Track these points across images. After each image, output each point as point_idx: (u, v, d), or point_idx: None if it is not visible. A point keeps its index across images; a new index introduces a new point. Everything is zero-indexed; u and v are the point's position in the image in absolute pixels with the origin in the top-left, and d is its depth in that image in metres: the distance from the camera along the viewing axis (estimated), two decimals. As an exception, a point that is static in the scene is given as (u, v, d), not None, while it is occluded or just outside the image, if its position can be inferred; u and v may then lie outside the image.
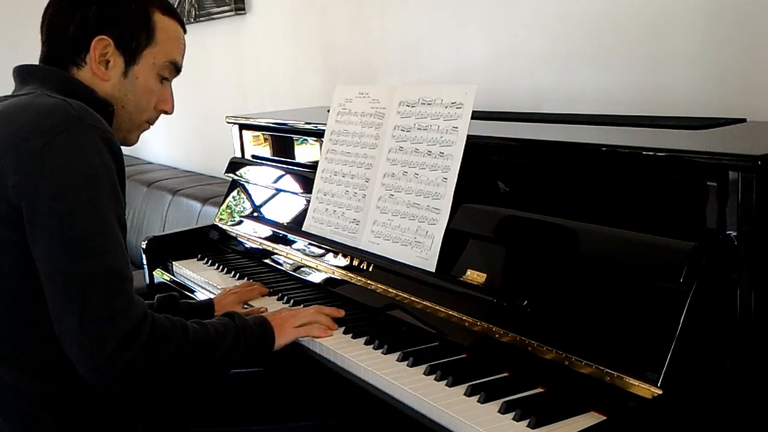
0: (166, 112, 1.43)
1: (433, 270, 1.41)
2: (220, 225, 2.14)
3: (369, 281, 1.53)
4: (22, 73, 1.34)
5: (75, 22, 1.31)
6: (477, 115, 1.46)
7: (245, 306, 1.64)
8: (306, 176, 1.90)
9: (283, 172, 2.03)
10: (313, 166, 1.82)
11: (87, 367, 1.14)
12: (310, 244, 1.75)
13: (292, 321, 1.40)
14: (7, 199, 1.15)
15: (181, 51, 1.42)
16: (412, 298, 1.42)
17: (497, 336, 1.24)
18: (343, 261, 1.63)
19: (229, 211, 2.16)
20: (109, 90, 1.33)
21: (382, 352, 1.32)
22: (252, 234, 1.99)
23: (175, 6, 3.47)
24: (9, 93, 1.34)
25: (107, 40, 1.31)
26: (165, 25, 1.37)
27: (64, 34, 1.31)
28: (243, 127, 2.26)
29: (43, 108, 1.19)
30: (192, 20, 3.40)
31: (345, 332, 1.42)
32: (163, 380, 1.21)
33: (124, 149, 1.30)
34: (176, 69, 1.41)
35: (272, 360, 1.44)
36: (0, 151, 1.17)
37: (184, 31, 1.44)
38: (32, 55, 1.38)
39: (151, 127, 1.45)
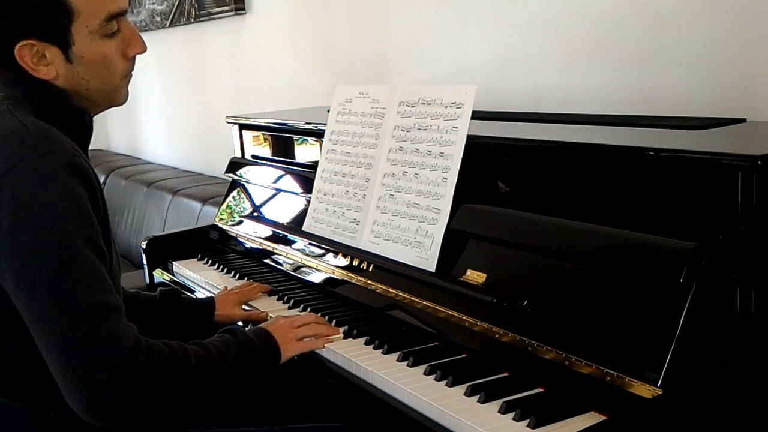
0: (138, 53, 1.28)
1: (433, 270, 1.41)
2: (220, 225, 2.14)
3: (369, 281, 1.53)
4: None
5: None
6: (477, 115, 1.46)
7: (246, 307, 1.64)
8: (306, 176, 1.90)
9: (283, 172, 2.03)
10: (313, 166, 1.82)
11: (83, 410, 1.06)
12: (310, 244, 1.75)
13: (295, 333, 1.35)
14: None
15: None
16: (412, 298, 1.42)
17: (497, 336, 1.24)
18: (343, 261, 1.63)
19: (229, 211, 2.16)
20: (64, 83, 1.22)
21: (382, 352, 1.32)
22: (252, 234, 1.99)
23: (175, 6, 3.50)
24: None
25: (28, 42, 1.18)
26: None
27: None
28: (243, 127, 2.26)
29: (1, 135, 1.11)
30: (192, 20, 3.40)
31: (345, 332, 1.41)
32: (167, 407, 1.14)
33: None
34: (119, 14, 1.23)
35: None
36: None
37: None
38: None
39: (132, 74, 1.30)
